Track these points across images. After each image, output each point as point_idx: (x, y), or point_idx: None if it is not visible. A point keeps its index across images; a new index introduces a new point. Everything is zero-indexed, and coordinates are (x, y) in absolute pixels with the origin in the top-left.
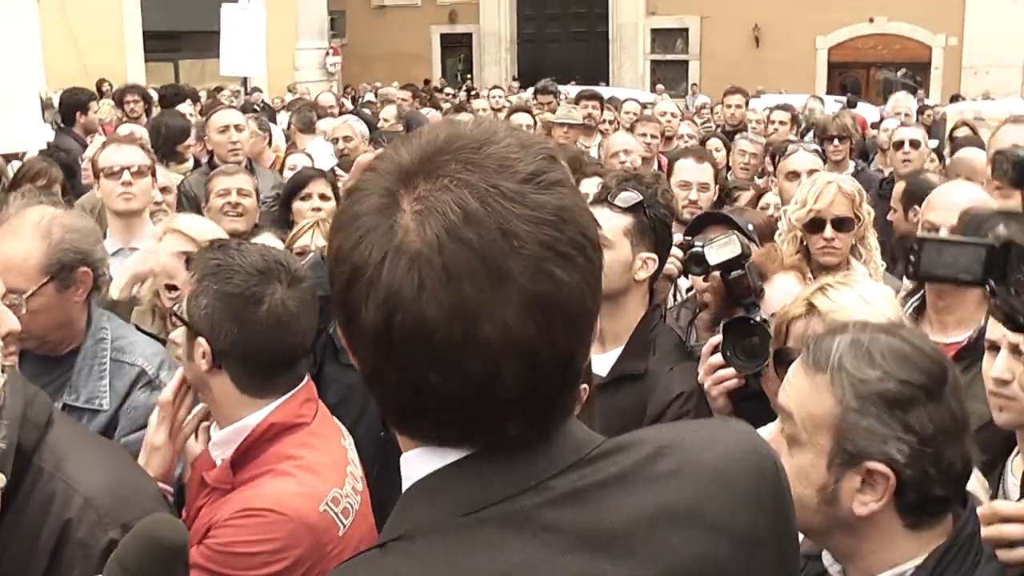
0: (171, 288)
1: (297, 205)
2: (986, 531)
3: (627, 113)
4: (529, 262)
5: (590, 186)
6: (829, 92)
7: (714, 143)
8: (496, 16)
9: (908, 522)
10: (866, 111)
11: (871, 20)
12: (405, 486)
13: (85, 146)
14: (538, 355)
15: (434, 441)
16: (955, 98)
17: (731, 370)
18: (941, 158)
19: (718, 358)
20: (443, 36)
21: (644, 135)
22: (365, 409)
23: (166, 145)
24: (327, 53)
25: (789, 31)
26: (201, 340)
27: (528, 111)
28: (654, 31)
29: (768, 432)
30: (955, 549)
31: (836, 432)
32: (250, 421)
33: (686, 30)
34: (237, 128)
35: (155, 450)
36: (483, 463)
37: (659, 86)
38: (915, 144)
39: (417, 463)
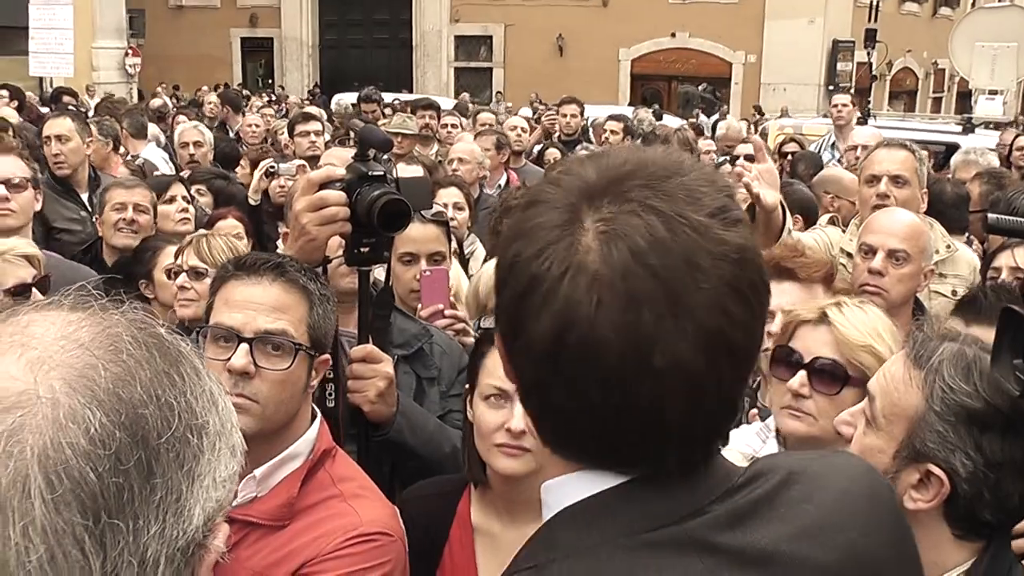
0: None
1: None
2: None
3: (483, 125)
4: (709, 297)
5: (448, 196)
6: (631, 103)
7: (553, 152)
8: (298, 21)
9: (957, 532)
10: (670, 123)
11: (673, 35)
12: (548, 513)
13: None
14: (704, 389)
15: (589, 464)
16: (757, 109)
17: None
18: None
19: None
20: (244, 40)
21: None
22: None
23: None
24: (126, 54)
25: (592, 42)
26: None
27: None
28: (458, 38)
29: (854, 409)
30: (996, 561)
31: (912, 427)
32: (300, 448)
33: (490, 38)
34: (59, 139)
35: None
36: (644, 490)
37: (464, 94)
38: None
39: (567, 488)
